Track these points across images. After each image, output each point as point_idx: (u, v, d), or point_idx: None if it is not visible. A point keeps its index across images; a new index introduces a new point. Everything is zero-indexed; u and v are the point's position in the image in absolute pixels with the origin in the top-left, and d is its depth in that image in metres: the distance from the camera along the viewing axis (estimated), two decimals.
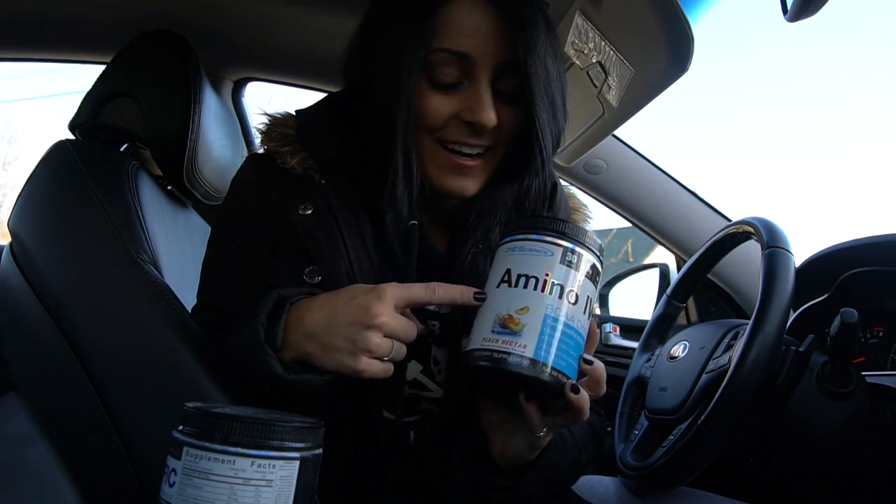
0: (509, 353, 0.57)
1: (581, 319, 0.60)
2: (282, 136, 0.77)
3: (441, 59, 0.68)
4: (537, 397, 0.62)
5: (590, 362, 0.61)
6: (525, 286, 0.59)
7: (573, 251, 0.60)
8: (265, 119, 0.80)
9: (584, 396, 0.59)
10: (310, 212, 0.73)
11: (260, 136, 0.79)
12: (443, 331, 0.74)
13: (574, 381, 0.59)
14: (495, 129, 0.71)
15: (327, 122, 0.77)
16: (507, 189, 0.77)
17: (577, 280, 0.60)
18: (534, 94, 0.69)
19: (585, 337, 0.62)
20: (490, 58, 0.68)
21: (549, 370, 0.58)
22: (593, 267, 0.62)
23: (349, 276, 0.70)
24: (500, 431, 0.68)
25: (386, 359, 0.60)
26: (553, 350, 0.58)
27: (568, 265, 0.60)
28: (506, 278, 0.60)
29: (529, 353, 0.57)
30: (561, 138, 0.76)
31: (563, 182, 0.88)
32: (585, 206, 0.90)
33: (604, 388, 0.63)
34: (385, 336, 0.60)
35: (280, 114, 0.80)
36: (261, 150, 0.80)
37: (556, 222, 0.61)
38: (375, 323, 0.59)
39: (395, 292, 0.60)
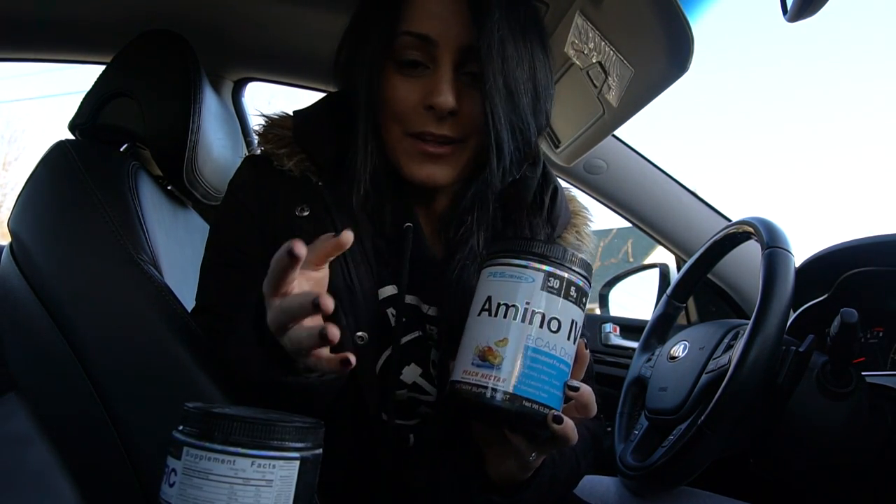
0: (487, 388, 0.57)
1: (564, 346, 0.59)
2: (279, 138, 0.77)
3: (406, 43, 0.70)
4: (520, 429, 0.62)
5: (575, 388, 0.60)
6: (504, 316, 0.58)
7: (556, 275, 0.59)
8: (262, 120, 0.80)
9: (568, 424, 0.58)
10: (307, 213, 0.72)
11: (257, 137, 0.79)
12: (441, 334, 0.74)
13: (557, 412, 0.58)
14: (460, 118, 0.71)
15: (325, 123, 0.77)
16: (479, 187, 0.75)
17: (560, 306, 0.59)
18: (486, 77, 0.68)
19: (571, 362, 0.60)
20: (453, 41, 0.69)
21: (528, 404, 0.57)
22: (578, 289, 0.60)
23: (345, 279, 0.70)
24: (495, 451, 0.67)
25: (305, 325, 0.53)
26: (533, 383, 0.57)
27: (549, 291, 0.58)
28: (486, 306, 0.60)
29: (508, 387, 0.57)
30: (530, 132, 0.74)
31: (564, 185, 0.88)
32: (586, 209, 0.90)
33: (593, 411, 0.61)
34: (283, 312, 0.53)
35: (277, 115, 0.80)
36: (257, 152, 0.79)
37: (538, 245, 0.60)
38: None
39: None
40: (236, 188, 0.79)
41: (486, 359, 0.57)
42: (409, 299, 0.74)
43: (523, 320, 0.58)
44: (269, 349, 0.58)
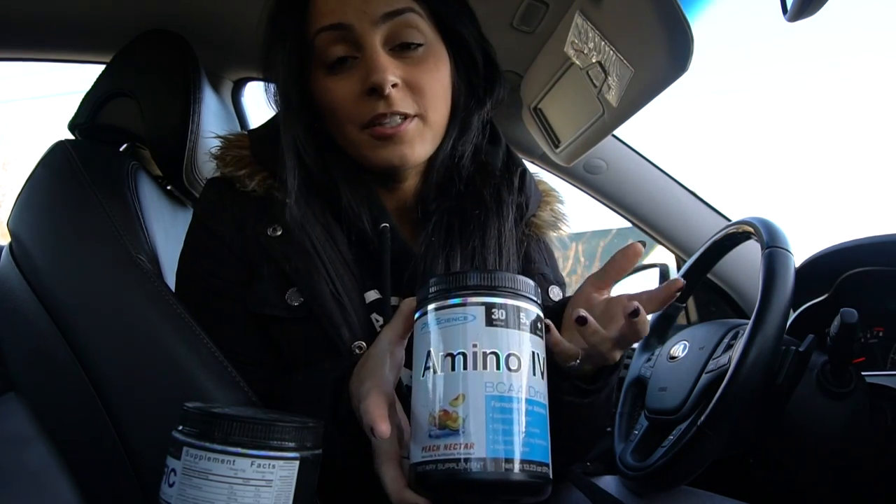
0: (457, 459, 0.46)
1: (534, 384, 0.49)
2: (238, 159, 0.76)
3: (325, 40, 0.68)
4: (510, 498, 0.49)
5: (635, 313, 0.53)
6: (452, 368, 0.47)
7: (499, 305, 0.48)
8: (218, 142, 0.78)
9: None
10: (280, 233, 0.71)
11: (215, 161, 0.77)
12: None
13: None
14: (410, 91, 0.69)
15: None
16: (444, 151, 0.75)
17: (514, 339, 0.48)
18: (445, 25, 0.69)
19: (547, 402, 0.50)
20: (366, 18, 0.67)
21: (516, 465, 0.46)
22: (529, 314, 0.50)
23: (332, 292, 0.69)
24: None
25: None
26: (513, 437, 0.46)
27: (497, 324, 0.48)
28: (428, 364, 0.49)
29: (481, 452, 0.45)
30: (483, 89, 0.76)
31: (532, 169, 0.87)
32: (556, 189, 0.89)
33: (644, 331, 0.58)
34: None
35: (232, 135, 0.79)
36: (217, 174, 0.78)
37: (469, 276, 0.49)
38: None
39: (377, 389, 0.54)
40: (203, 214, 0.77)
41: (445, 425, 0.47)
42: (392, 300, 0.73)
43: (475, 367, 0.47)
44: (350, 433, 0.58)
